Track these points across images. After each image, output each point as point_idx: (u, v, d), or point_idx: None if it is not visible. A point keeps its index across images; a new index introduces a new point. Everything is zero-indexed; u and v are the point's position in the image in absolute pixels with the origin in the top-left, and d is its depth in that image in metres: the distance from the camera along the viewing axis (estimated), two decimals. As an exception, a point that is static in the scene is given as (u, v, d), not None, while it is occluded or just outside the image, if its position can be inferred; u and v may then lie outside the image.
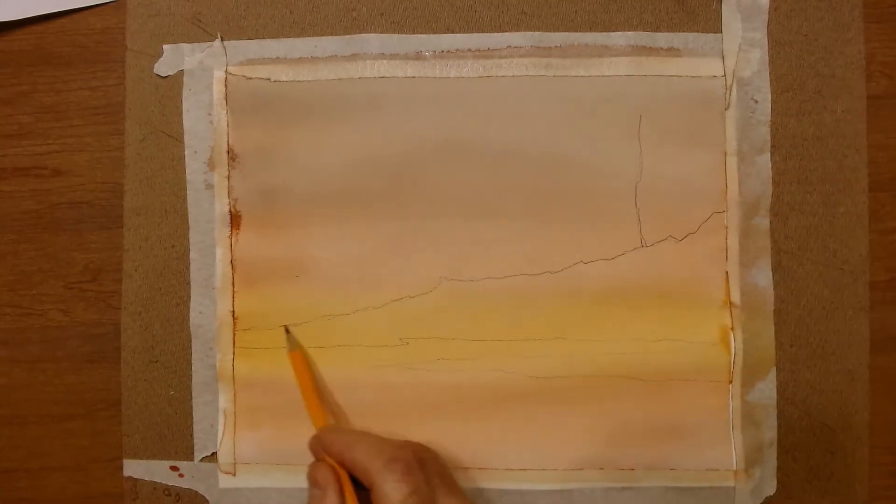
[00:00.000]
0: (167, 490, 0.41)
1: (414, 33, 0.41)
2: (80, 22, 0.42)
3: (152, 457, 0.41)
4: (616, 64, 0.41)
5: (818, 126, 0.40)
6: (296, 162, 0.41)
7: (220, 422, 0.41)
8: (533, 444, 0.40)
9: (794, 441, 0.40)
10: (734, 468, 0.40)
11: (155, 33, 0.42)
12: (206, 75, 0.41)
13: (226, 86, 0.41)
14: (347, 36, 0.41)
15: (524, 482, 0.40)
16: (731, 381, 0.40)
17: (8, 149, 0.43)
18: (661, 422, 0.40)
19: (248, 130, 0.41)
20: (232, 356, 0.41)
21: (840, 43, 0.41)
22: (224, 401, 0.41)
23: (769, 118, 0.40)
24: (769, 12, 0.41)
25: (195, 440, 0.41)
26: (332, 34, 0.41)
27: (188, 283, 0.41)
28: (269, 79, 0.41)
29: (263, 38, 0.41)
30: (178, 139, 0.41)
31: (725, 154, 0.40)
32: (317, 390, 0.40)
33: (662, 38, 0.41)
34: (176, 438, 0.41)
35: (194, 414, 0.41)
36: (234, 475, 0.41)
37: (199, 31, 0.42)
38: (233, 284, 0.41)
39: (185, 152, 0.41)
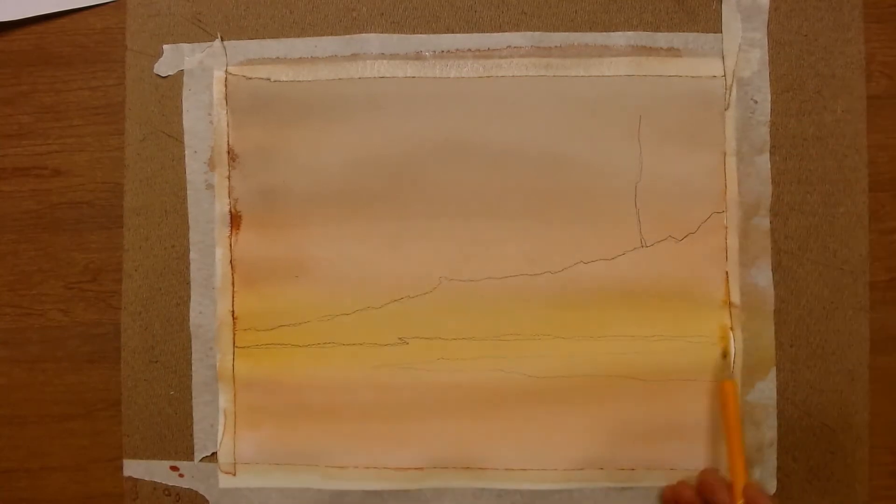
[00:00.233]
0: (167, 490, 0.41)
1: (414, 33, 0.41)
2: (80, 22, 0.42)
3: (152, 457, 0.41)
4: (616, 64, 0.41)
5: (818, 126, 0.40)
6: (296, 162, 0.41)
7: (220, 422, 0.41)
8: (533, 444, 0.40)
9: (794, 441, 0.40)
10: (734, 468, 0.40)
11: (155, 33, 0.42)
12: (206, 75, 0.41)
13: (226, 86, 0.41)
14: (347, 36, 0.41)
15: (524, 482, 0.40)
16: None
17: (8, 149, 0.43)
18: (661, 422, 0.40)
19: (248, 130, 0.41)
20: (232, 356, 0.41)
21: (840, 43, 0.41)
22: (224, 401, 0.41)
23: (769, 118, 0.40)
24: (769, 12, 0.41)
25: (195, 440, 0.41)
26: (332, 34, 0.41)
27: (188, 283, 0.41)
28: (269, 79, 0.41)
29: (263, 38, 0.41)
30: (178, 139, 0.41)
31: (725, 154, 0.40)
32: (742, 430, 0.38)
33: (662, 38, 0.41)
34: (176, 438, 0.41)
35: (194, 414, 0.41)
36: (234, 475, 0.41)
37: (199, 31, 0.42)
38: (233, 284, 0.41)
39: (185, 152, 0.41)
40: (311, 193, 0.41)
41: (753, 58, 0.40)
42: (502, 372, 0.40)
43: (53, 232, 0.42)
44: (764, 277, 0.40)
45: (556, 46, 0.41)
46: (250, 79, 0.41)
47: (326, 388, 0.41)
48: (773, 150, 0.40)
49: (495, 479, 0.40)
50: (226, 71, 0.41)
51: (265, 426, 0.41)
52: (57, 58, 0.42)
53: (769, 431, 0.40)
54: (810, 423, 0.40)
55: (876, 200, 0.41)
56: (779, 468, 0.40)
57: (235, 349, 0.41)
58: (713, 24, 0.41)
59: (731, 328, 0.40)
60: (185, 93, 0.41)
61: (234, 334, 0.41)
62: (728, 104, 0.40)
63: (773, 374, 0.40)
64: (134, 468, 0.41)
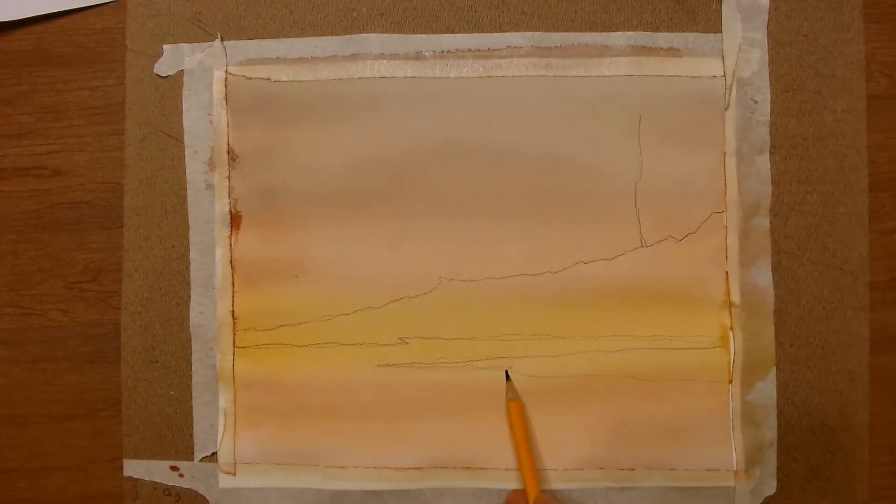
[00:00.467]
0: (167, 490, 0.41)
1: (414, 33, 0.41)
2: (80, 22, 0.42)
3: (152, 457, 0.41)
4: (616, 64, 0.41)
5: (818, 126, 0.40)
6: (296, 162, 0.41)
7: (220, 422, 0.41)
8: (533, 444, 0.40)
9: (794, 441, 0.40)
10: (734, 468, 0.40)
11: (155, 33, 0.42)
12: (206, 75, 0.41)
13: (226, 86, 0.41)
14: (347, 36, 0.41)
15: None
16: (731, 381, 0.40)
17: (8, 149, 0.43)
18: (661, 422, 0.40)
19: (248, 130, 0.41)
20: (232, 356, 0.41)
21: (840, 43, 0.41)
22: (224, 401, 0.41)
23: (769, 118, 0.40)
24: (769, 12, 0.41)
25: (195, 440, 0.41)
26: (332, 34, 0.41)
27: (188, 283, 0.41)
28: (269, 79, 0.41)
29: (263, 38, 0.41)
30: (178, 139, 0.41)
31: (725, 154, 0.40)
32: (531, 447, 0.39)
33: (662, 38, 0.41)
34: (176, 438, 0.41)
35: (194, 414, 0.41)
36: (234, 475, 0.41)
37: (199, 31, 0.42)
38: (233, 284, 0.41)
39: (185, 152, 0.41)
40: (311, 193, 0.41)
41: (753, 58, 0.40)
42: (502, 372, 0.40)
43: (53, 232, 0.42)
44: (764, 277, 0.40)
45: (556, 46, 0.41)
46: (250, 79, 0.41)
47: (326, 388, 0.41)
48: (773, 150, 0.40)
49: (495, 479, 0.40)
50: (226, 71, 0.41)
51: (265, 426, 0.41)
52: (57, 58, 0.42)
53: (769, 431, 0.40)
54: (810, 423, 0.40)
55: (876, 200, 0.41)
56: (779, 468, 0.40)
57: (235, 349, 0.41)
58: (713, 24, 0.41)
59: (731, 328, 0.40)
60: (185, 93, 0.41)
61: (234, 334, 0.41)
62: (728, 104, 0.40)
63: (773, 374, 0.40)
64: (134, 468, 0.41)
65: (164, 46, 0.41)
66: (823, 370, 0.40)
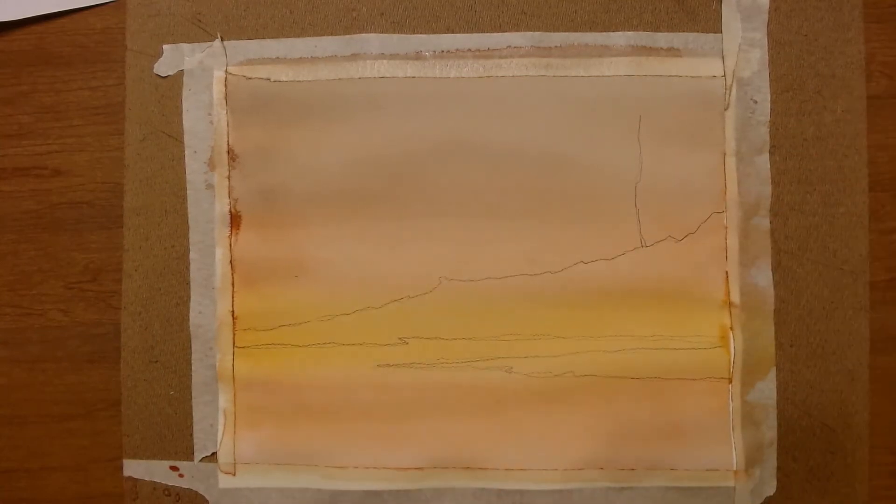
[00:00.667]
0: (167, 490, 0.41)
1: (414, 33, 0.41)
2: (80, 22, 0.42)
3: (152, 457, 0.41)
4: (616, 64, 0.41)
5: (818, 126, 0.40)
6: (296, 162, 0.41)
7: (220, 422, 0.41)
8: (533, 444, 0.40)
9: (794, 441, 0.40)
10: (734, 468, 0.40)
11: (155, 33, 0.42)
12: (206, 75, 0.41)
13: (226, 86, 0.41)
14: (347, 36, 0.41)
15: (524, 482, 0.40)
16: (731, 381, 0.40)
17: (8, 149, 0.43)
18: (661, 422, 0.40)
19: (248, 130, 0.41)
20: (232, 356, 0.41)
21: (840, 43, 0.41)
22: (224, 401, 0.41)
23: (769, 118, 0.40)
24: (769, 12, 0.41)
25: (195, 440, 0.41)
26: (332, 34, 0.41)
27: (188, 283, 0.41)
28: (269, 79, 0.41)
29: (263, 38, 0.41)
30: (178, 139, 0.41)
31: (725, 154, 0.40)
32: None
33: (662, 38, 0.41)
34: (176, 438, 0.41)
35: (194, 414, 0.41)
36: (234, 475, 0.41)
37: (199, 31, 0.42)
38: (232, 284, 0.41)
39: (185, 152, 0.41)
40: (311, 193, 0.41)
41: (753, 58, 0.40)
42: (502, 372, 0.40)
43: (53, 232, 0.42)
44: (764, 277, 0.40)
45: (556, 46, 0.41)
46: (250, 79, 0.41)
47: (326, 388, 0.41)
48: (773, 150, 0.40)
49: (495, 479, 0.40)
50: (226, 71, 0.41)
51: (265, 426, 0.41)
52: (57, 58, 0.42)
53: (769, 431, 0.40)
54: (810, 423, 0.40)
55: (876, 200, 0.41)
56: (779, 468, 0.40)
57: (235, 349, 0.41)
58: (713, 24, 0.41)
59: (731, 328, 0.40)
60: (185, 93, 0.41)
61: (234, 334, 0.41)
62: (728, 104, 0.40)
63: (773, 374, 0.40)
64: (134, 468, 0.41)
65: (164, 46, 0.41)
66: (823, 370, 0.40)
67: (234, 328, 0.41)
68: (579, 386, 0.40)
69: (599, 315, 0.40)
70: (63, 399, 0.42)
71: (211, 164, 0.41)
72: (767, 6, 0.41)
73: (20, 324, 0.42)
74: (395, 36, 0.41)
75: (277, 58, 0.41)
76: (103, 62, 0.42)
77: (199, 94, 0.41)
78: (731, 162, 0.40)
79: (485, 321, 0.41)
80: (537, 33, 0.41)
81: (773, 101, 0.40)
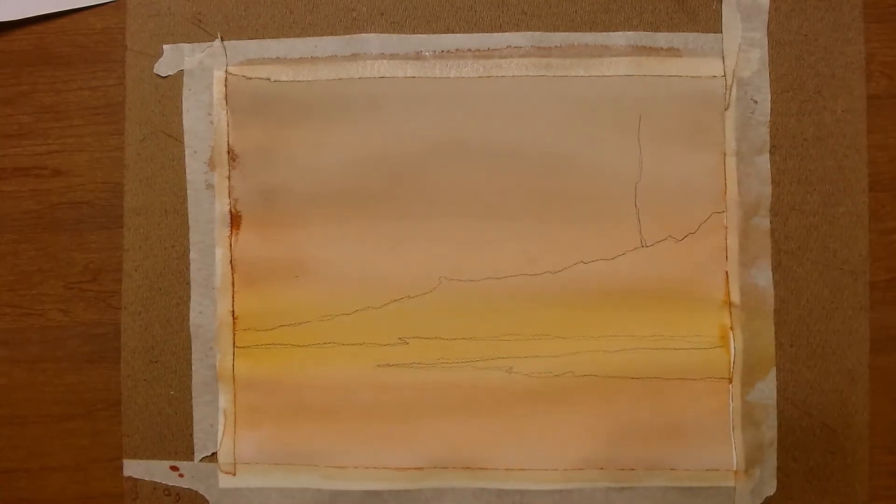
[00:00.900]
0: (167, 490, 0.41)
1: (414, 33, 0.41)
2: (80, 22, 0.42)
3: (152, 457, 0.41)
4: (616, 64, 0.41)
5: (818, 126, 0.40)
6: (296, 162, 0.41)
7: (220, 422, 0.41)
8: (533, 444, 0.40)
9: (794, 441, 0.40)
10: (734, 468, 0.40)
11: (155, 33, 0.42)
12: (206, 75, 0.41)
13: (226, 86, 0.41)
14: (347, 36, 0.41)
15: (524, 482, 0.40)
16: (731, 381, 0.40)
17: (8, 149, 0.43)
18: (661, 422, 0.40)
19: (248, 130, 0.41)
20: (232, 356, 0.41)
21: (840, 43, 0.41)
22: (224, 401, 0.41)
23: (769, 118, 0.40)
24: (769, 12, 0.41)
25: (195, 440, 0.41)
26: (332, 34, 0.41)
27: (188, 283, 0.41)
28: (269, 79, 0.41)
29: (263, 38, 0.41)
30: (178, 139, 0.41)
31: (725, 154, 0.40)
32: None
33: (662, 38, 0.41)
34: (176, 438, 0.41)
35: (194, 414, 0.41)
36: (234, 475, 0.41)
37: (199, 31, 0.42)
38: (233, 284, 0.41)
39: (185, 152, 0.41)
40: (311, 193, 0.41)
41: (753, 58, 0.40)
42: (502, 372, 0.40)
43: (53, 232, 0.42)
44: (764, 277, 0.40)
45: (556, 46, 0.41)
46: (250, 79, 0.41)
47: (326, 388, 0.41)
48: (773, 150, 0.40)
49: (495, 479, 0.40)
50: (226, 71, 0.41)
51: (265, 426, 0.41)
52: (57, 58, 0.42)
53: (769, 431, 0.40)
54: (810, 423, 0.40)
55: (876, 200, 0.41)
56: (779, 468, 0.40)
57: (235, 349, 0.41)
58: (713, 24, 0.41)
59: (731, 328, 0.40)
60: (185, 93, 0.41)
61: (234, 334, 0.41)
62: (728, 104, 0.40)
63: (773, 374, 0.40)
64: (134, 468, 0.41)
65: (164, 46, 0.41)
66: (823, 370, 0.40)
67: (234, 328, 0.41)
68: (579, 386, 0.40)
69: (599, 315, 0.40)
70: (63, 399, 0.42)
71: (211, 164, 0.41)
72: (767, 6, 0.41)
73: (20, 324, 0.42)
74: (395, 36, 0.41)
75: (277, 58, 0.41)
76: (103, 62, 0.42)
77: (199, 94, 0.41)
78: (731, 162, 0.40)
79: (485, 321, 0.41)
80: (537, 33, 0.41)
81: (773, 101, 0.40)
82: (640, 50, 0.41)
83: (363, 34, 0.41)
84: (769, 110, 0.40)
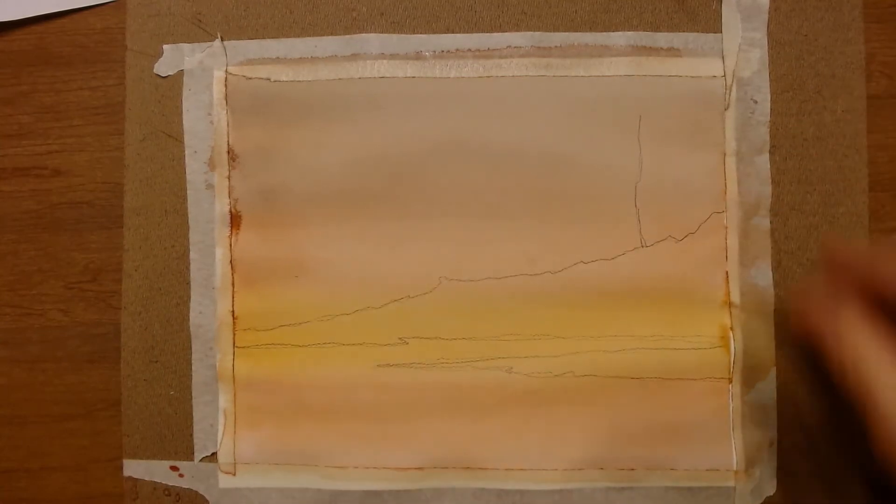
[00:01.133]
0: (167, 490, 0.41)
1: (414, 33, 0.41)
2: (80, 22, 0.42)
3: (152, 457, 0.41)
4: (616, 64, 0.41)
5: (818, 126, 0.40)
6: (296, 162, 0.41)
7: (220, 422, 0.41)
8: (533, 444, 0.40)
9: (794, 441, 0.40)
10: (734, 468, 0.40)
11: (155, 33, 0.42)
12: (206, 75, 0.41)
13: (226, 86, 0.41)
14: (347, 36, 0.41)
15: (524, 482, 0.40)
16: (731, 382, 0.40)
17: (8, 149, 0.43)
18: (661, 422, 0.40)
19: (248, 130, 0.41)
20: (232, 356, 0.41)
21: (840, 43, 0.41)
22: (224, 401, 0.41)
23: (769, 118, 0.40)
24: (769, 12, 0.41)
25: (195, 440, 0.41)
26: (332, 34, 0.41)
27: (188, 283, 0.41)
28: (269, 79, 0.41)
29: (263, 38, 0.41)
30: (178, 139, 0.41)
31: (725, 154, 0.40)
32: None
33: (662, 38, 0.41)
34: (176, 438, 0.41)
35: (194, 414, 0.41)
36: (234, 475, 0.41)
37: (199, 31, 0.42)
38: (233, 284, 0.41)
39: (185, 152, 0.41)
40: (311, 193, 0.41)
41: (753, 58, 0.40)
42: (502, 372, 0.40)
43: (53, 232, 0.42)
44: (764, 277, 0.40)
45: (556, 46, 0.41)
46: (250, 79, 0.41)
47: (326, 388, 0.41)
48: (773, 150, 0.40)
49: (495, 479, 0.40)
50: (226, 71, 0.41)
51: (265, 426, 0.41)
52: (57, 58, 0.42)
53: (769, 431, 0.40)
54: (810, 423, 0.40)
55: (876, 200, 0.41)
56: (779, 468, 0.40)
57: (235, 349, 0.41)
58: (713, 24, 0.41)
59: (731, 328, 0.40)
60: (185, 93, 0.41)
61: (234, 334, 0.41)
62: (728, 104, 0.40)
63: (773, 374, 0.40)
64: (134, 468, 0.41)
65: (164, 46, 0.41)
66: (823, 370, 0.40)
67: (234, 328, 0.41)
68: (579, 386, 0.40)
69: (599, 315, 0.40)
70: (63, 399, 0.42)
71: (211, 164, 0.41)
72: (767, 6, 0.41)
73: (20, 324, 0.42)
74: (395, 36, 0.41)
75: (277, 58, 0.41)
76: (103, 62, 0.42)
77: (199, 94, 0.41)
78: (731, 162, 0.40)
79: (485, 321, 0.41)
80: (537, 33, 0.41)
81: (773, 101, 0.40)
82: (640, 50, 0.41)
83: (363, 34, 0.41)
84: (769, 110, 0.40)
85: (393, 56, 0.41)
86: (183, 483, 0.41)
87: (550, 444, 0.40)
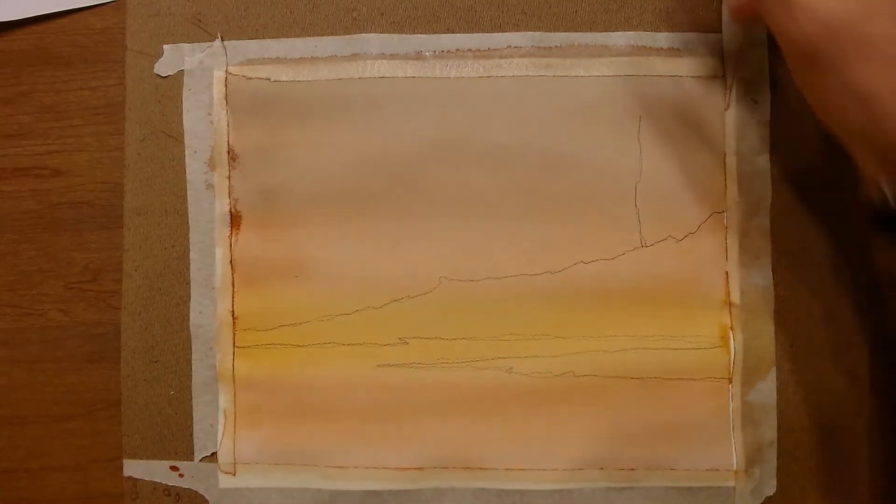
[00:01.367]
0: (167, 490, 0.41)
1: (414, 33, 0.41)
2: (80, 22, 0.42)
3: (152, 457, 0.41)
4: (616, 64, 0.41)
5: (818, 126, 0.40)
6: (296, 162, 0.41)
7: (220, 422, 0.41)
8: (533, 444, 0.40)
9: (794, 441, 0.40)
10: (734, 468, 0.40)
11: (155, 33, 0.42)
12: (206, 75, 0.41)
13: (226, 86, 0.41)
14: (347, 36, 0.41)
15: (524, 482, 0.40)
16: (731, 381, 0.40)
17: (8, 149, 0.43)
18: (661, 422, 0.40)
19: (248, 130, 0.41)
20: (232, 356, 0.41)
21: (840, 43, 0.40)
22: (224, 401, 0.41)
23: (769, 118, 0.40)
24: (769, 12, 0.40)
25: (195, 440, 0.41)
26: (332, 34, 0.41)
27: (188, 283, 0.41)
28: (269, 79, 0.41)
29: (263, 38, 0.41)
30: (178, 139, 0.41)
31: (725, 154, 0.40)
32: None
33: (662, 38, 0.41)
34: (176, 438, 0.41)
35: (194, 414, 0.41)
36: (234, 475, 0.41)
37: (199, 31, 0.42)
38: (233, 284, 0.41)
39: (185, 152, 0.41)
40: (311, 193, 0.41)
41: (753, 58, 0.40)
42: (502, 372, 0.40)
43: (53, 232, 0.42)
44: (764, 277, 0.40)
45: (556, 46, 0.41)
46: (250, 79, 0.41)
47: (326, 388, 0.41)
48: (773, 150, 0.40)
49: (495, 479, 0.40)
50: (226, 71, 0.41)
51: (265, 426, 0.41)
52: (57, 58, 0.42)
53: (769, 431, 0.40)
54: (810, 423, 0.40)
55: (876, 200, 0.41)
56: (779, 468, 0.40)
57: (235, 349, 0.41)
58: (713, 24, 0.41)
59: (731, 328, 0.40)
60: (185, 93, 0.41)
61: (234, 334, 0.41)
62: (728, 104, 0.40)
63: (773, 374, 0.40)
64: (134, 468, 0.41)
65: (164, 46, 0.41)
66: (823, 370, 0.40)
67: (234, 328, 0.41)
68: (579, 386, 0.40)
69: (599, 315, 0.40)
70: (63, 399, 0.42)
71: (211, 164, 0.41)
72: (767, 6, 0.40)
73: (20, 324, 0.42)
74: (395, 36, 0.41)
75: (277, 58, 0.41)
76: (103, 62, 0.42)
77: (199, 94, 0.41)
78: (731, 162, 0.40)
79: (485, 321, 0.41)
80: (537, 33, 0.41)
81: (773, 101, 0.40)
82: (640, 50, 0.41)
83: (363, 34, 0.41)
84: (769, 110, 0.40)
85: (393, 56, 0.41)
86: (183, 483, 0.41)
87: (550, 444, 0.40)
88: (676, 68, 0.40)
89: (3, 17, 0.42)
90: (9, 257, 0.42)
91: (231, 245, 0.41)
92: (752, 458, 0.40)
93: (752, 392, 0.40)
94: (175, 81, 0.41)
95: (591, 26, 0.41)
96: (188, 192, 0.41)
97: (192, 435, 0.41)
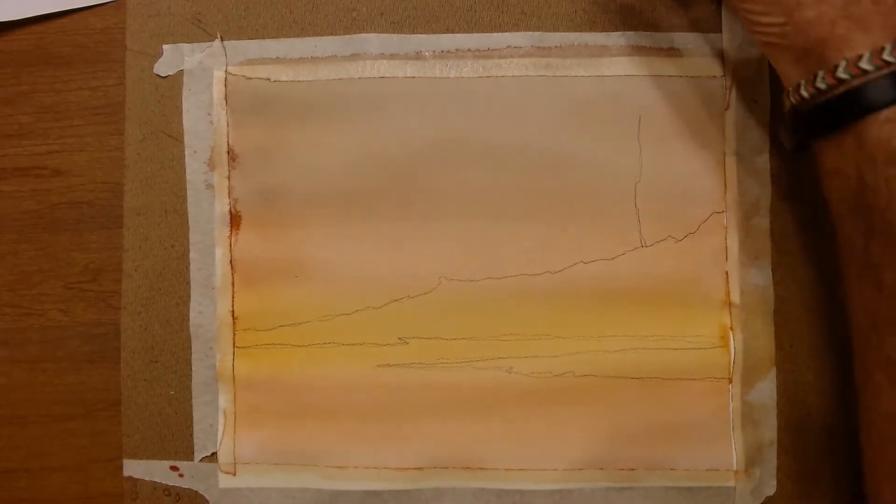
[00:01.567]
0: (167, 490, 0.41)
1: (414, 33, 0.41)
2: (80, 22, 0.42)
3: (152, 457, 0.41)
4: (616, 64, 0.41)
5: (818, 126, 0.40)
6: (296, 162, 0.41)
7: (220, 422, 0.41)
8: (533, 444, 0.40)
9: (794, 441, 0.40)
10: (734, 468, 0.40)
11: (155, 33, 0.42)
12: (206, 75, 0.41)
13: (226, 86, 0.41)
14: (347, 36, 0.41)
15: (524, 482, 0.40)
16: (731, 381, 0.40)
17: (8, 149, 0.43)
18: (661, 422, 0.40)
19: (248, 130, 0.41)
20: (232, 356, 0.41)
21: (840, 43, 0.40)
22: (224, 401, 0.41)
23: (769, 118, 0.40)
24: (769, 12, 0.40)
25: (195, 440, 0.41)
26: (332, 34, 0.41)
27: (188, 283, 0.41)
28: (269, 79, 0.41)
29: (263, 38, 0.41)
30: (178, 139, 0.41)
31: (725, 154, 0.40)
32: None
33: (662, 38, 0.41)
34: (176, 438, 0.41)
35: (194, 414, 0.41)
36: (234, 475, 0.41)
37: (199, 31, 0.42)
38: (233, 284, 0.41)
39: (185, 152, 0.41)
40: (311, 193, 0.41)
41: (753, 58, 0.40)
42: (502, 372, 0.40)
43: (53, 232, 0.42)
44: (764, 277, 0.40)
45: (556, 46, 0.41)
46: (250, 79, 0.41)
47: (326, 388, 0.41)
48: (773, 150, 0.40)
49: (495, 479, 0.40)
50: (226, 71, 0.41)
51: (265, 426, 0.41)
52: (57, 58, 0.42)
53: (769, 431, 0.40)
54: (810, 423, 0.40)
55: (876, 200, 0.41)
56: (779, 468, 0.40)
57: (235, 349, 0.41)
58: (713, 24, 0.41)
59: (731, 328, 0.40)
60: (185, 93, 0.41)
61: (234, 334, 0.41)
62: (728, 104, 0.40)
63: (773, 374, 0.40)
64: (134, 468, 0.41)
65: (164, 46, 0.41)
66: (823, 370, 0.40)
67: (234, 328, 0.41)
68: (579, 386, 0.40)
69: (599, 315, 0.40)
70: (63, 399, 0.42)
71: (211, 164, 0.41)
72: (767, 6, 0.40)
73: (20, 324, 0.42)
74: (395, 36, 0.41)
75: (277, 58, 0.41)
76: (103, 62, 0.42)
77: (199, 94, 0.41)
78: (731, 162, 0.40)
79: (485, 321, 0.41)
80: (537, 33, 0.41)
81: (773, 101, 0.40)
82: (640, 50, 0.41)
83: (363, 34, 0.41)
84: (769, 110, 0.40)
85: (393, 56, 0.41)
86: (183, 483, 0.41)
87: (550, 444, 0.40)
88: (676, 68, 0.40)
89: (3, 17, 0.42)
90: (9, 257, 0.42)
91: (231, 245, 0.41)
92: (752, 458, 0.40)
93: (752, 392, 0.40)
94: (175, 81, 0.41)
95: (591, 26, 0.41)
96: (188, 192, 0.41)
97: (192, 435, 0.41)
